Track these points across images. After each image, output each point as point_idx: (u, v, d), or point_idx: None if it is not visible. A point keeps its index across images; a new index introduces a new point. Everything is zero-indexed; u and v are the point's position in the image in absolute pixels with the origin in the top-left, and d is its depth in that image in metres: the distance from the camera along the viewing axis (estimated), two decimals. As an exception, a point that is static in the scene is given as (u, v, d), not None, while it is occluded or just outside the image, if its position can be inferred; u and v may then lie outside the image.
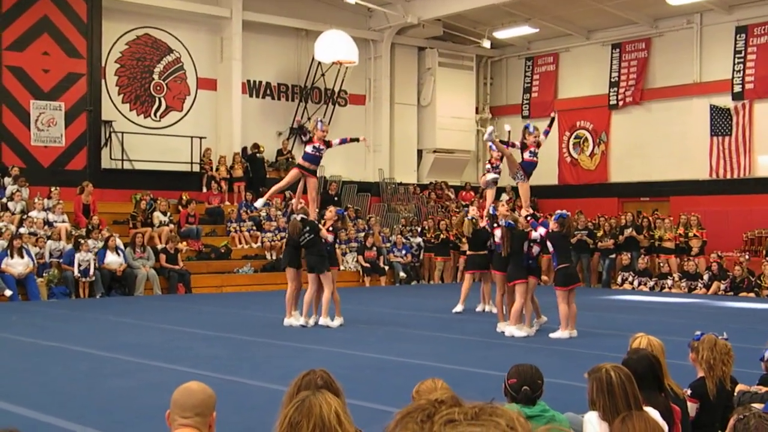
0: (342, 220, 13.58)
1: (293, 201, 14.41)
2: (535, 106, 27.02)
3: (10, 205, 18.64)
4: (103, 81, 21.65)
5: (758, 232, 21.46)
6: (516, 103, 28.08)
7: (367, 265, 21.66)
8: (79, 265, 17.36)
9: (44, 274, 17.28)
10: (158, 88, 23.12)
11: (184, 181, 22.23)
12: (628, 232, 21.46)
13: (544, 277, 15.79)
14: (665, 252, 21.14)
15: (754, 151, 22.56)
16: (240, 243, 21.25)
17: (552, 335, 11.70)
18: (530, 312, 12.36)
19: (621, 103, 25.35)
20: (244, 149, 23.52)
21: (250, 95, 24.41)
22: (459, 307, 15.02)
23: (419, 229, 23.55)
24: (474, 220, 14.64)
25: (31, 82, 20.24)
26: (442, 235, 22.54)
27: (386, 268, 22.01)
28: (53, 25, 20.41)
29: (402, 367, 9.30)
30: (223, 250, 20.60)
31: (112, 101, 22.17)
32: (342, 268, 20.12)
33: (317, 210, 14.07)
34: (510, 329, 11.97)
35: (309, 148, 13.54)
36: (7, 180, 19.32)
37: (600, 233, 21.78)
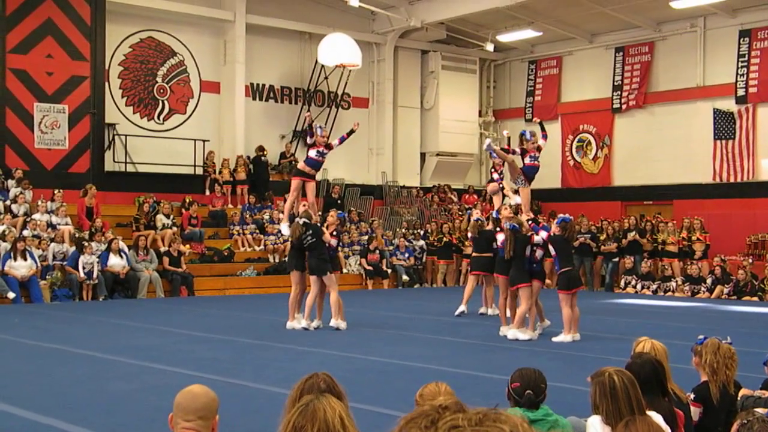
0: (341, 223, 13.63)
1: (294, 204, 14.41)
2: (539, 109, 26.96)
3: (14, 207, 18.65)
4: (106, 84, 21.70)
5: (761, 236, 21.42)
6: (519, 106, 28.10)
7: (370, 268, 21.64)
8: (83, 268, 17.39)
9: (47, 277, 17.29)
10: (162, 91, 23.14)
11: (187, 184, 22.22)
12: (631, 235, 21.42)
13: (547, 281, 15.78)
14: (668, 256, 21.11)
15: (757, 154, 22.54)
16: (243, 246, 21.26)
17: (555, 339, 11.68)
18: (534, 315, 12.36)
19: (624, 106, 25.33)
20: (255, 155, 23.51)
21: (254, 98, 24.42)
22: (461, 308, 15.02)
23: (422, 233, 23.53)
24: (480, 222, 14.68)
25: (35, 84, 20.27)
26: (444, 239, 22.55)
27: (389, 271, 21.99)
28: (57, 28, 20.44)
29: (405, 370, 9.28)
30: (226, 253, 20.60)
31: (115, 104, 22.20)
32: (345, 271, 20.13)
33: (319, 213, 14.08)
34: (513, 332, 11.96)
35: (313, 153, 13.58)
36: (10, 182, 19.33)
37: (603, 237, 21.74)
